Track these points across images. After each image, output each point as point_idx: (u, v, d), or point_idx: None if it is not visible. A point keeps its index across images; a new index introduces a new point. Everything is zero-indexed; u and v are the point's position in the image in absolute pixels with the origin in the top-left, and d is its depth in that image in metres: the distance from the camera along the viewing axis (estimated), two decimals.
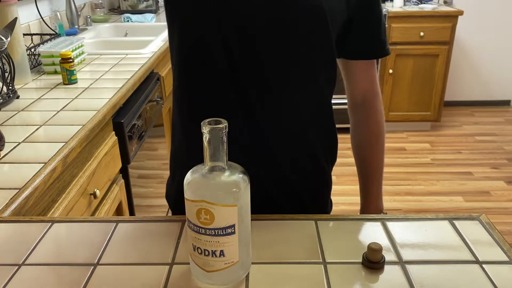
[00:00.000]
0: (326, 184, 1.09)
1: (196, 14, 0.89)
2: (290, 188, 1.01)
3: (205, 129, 0.63)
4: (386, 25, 1.00)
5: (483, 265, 0.74)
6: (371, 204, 1.14)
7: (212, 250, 0.66)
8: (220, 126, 0.63)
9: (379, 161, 1.12)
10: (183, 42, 0.93)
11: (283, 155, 0.98)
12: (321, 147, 1.03)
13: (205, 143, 0.64)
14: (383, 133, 1.12)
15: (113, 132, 1.58)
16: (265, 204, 0.93)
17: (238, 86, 0.91)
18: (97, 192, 1.37)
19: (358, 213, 1.10)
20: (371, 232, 0.83)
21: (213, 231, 0.65)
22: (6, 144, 1.19)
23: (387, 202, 2.79)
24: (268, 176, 0.98)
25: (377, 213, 1.13)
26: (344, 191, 2.86)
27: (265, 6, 0.87)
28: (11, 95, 1.56)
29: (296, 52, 0.91)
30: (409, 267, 0.74)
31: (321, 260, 0.75)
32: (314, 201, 1.07)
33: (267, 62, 0.90)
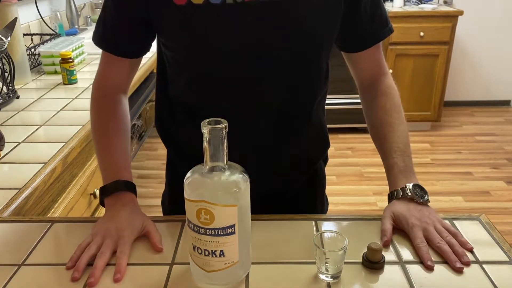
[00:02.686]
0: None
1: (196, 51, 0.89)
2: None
3: (205, 129, 0.63)
4: (390, 21, 0.97)
5: (483, 265, 0.74)
6: (390, 187, 0.90)
7: (212, 250, 0.66)
8: (220, 126, 0.63)
9: (398, 135, 0.94)
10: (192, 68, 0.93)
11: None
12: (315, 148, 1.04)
13: (205, 143, 0.64)
14: (396, 107, 0.98)
15: None
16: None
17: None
18: (97, 192, 1.36)
19: (357, 214, 1.05)
20: (371, 232, 0.83)
21: (213, 231, 0.65)
22: (6, 144, 1.19)
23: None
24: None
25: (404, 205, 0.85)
26: (344, 191, 2.86)
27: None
28: (11, 95, 1.56)
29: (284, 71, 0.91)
30: (409, 267, 0.74)
31: None
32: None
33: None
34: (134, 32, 0.92)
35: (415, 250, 0.77)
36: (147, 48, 0.97)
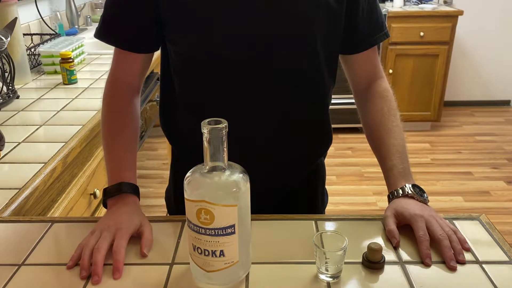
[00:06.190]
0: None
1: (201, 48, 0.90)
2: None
3: (205, 129, 0.63)
4: (386, 25, 0.97)
5: (483, 265, 0.74)
6: (390, 188, 0.90)
7: (212, 250, 0.66)
8: (220, 126, 0.63)
9: (395, 137, 0.95)
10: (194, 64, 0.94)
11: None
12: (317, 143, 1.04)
13: (205, 143, 0.64)
14: (393, 110, 0.99)
15: None
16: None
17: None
18: (97, 192, 1.37)
19: (357, 214, 1.05)
20: (371, 232, 0.83)
21: (213, 231, 0.65)
22: (6, 144, 1.19)
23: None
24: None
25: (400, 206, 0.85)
26: (344, 191, 2.86)
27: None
28: (11, 95, 1.56)
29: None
30: (409, 267, 0.74)
31: None
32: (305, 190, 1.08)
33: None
34: (144, 25, 0.92)
35: (416, 242, 0.77)
36: (157, 44, 0.96)
